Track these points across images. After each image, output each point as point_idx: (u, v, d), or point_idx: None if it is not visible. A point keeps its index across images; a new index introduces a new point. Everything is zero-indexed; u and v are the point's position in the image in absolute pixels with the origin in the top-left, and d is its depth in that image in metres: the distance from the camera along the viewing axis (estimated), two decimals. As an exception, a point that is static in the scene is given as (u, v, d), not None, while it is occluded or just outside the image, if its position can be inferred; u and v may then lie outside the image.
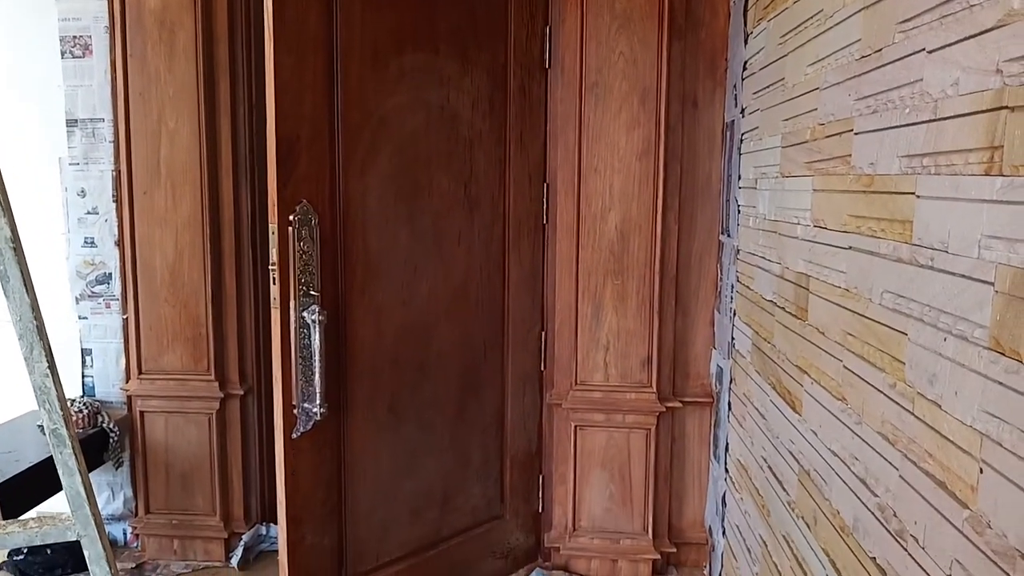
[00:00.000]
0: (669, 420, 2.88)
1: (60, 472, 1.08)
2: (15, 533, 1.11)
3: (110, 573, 1.14)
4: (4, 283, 0.98)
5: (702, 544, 2.97)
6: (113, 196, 2.95)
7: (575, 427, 2.86)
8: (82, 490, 1.08)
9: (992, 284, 1.00)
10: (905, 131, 1.26)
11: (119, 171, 2.87)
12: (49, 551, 2.98)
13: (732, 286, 2.58)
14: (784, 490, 1.93)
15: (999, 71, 0.98)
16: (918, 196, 1.21)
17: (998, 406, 0.98)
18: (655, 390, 2.81)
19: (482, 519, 2.79)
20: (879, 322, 1.35)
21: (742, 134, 2.48)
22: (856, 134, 1.47)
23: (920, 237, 1.20)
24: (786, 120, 1.96)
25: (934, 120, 1.16)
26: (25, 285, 0.99)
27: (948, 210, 1.12)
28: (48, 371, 1.02)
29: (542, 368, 2.91)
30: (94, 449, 2.88)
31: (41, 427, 2.87)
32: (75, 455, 1.07)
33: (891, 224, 1.31)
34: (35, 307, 1.01)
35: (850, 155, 1.50)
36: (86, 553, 1.15)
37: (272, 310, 2.08)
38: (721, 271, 2.78)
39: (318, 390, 2.11)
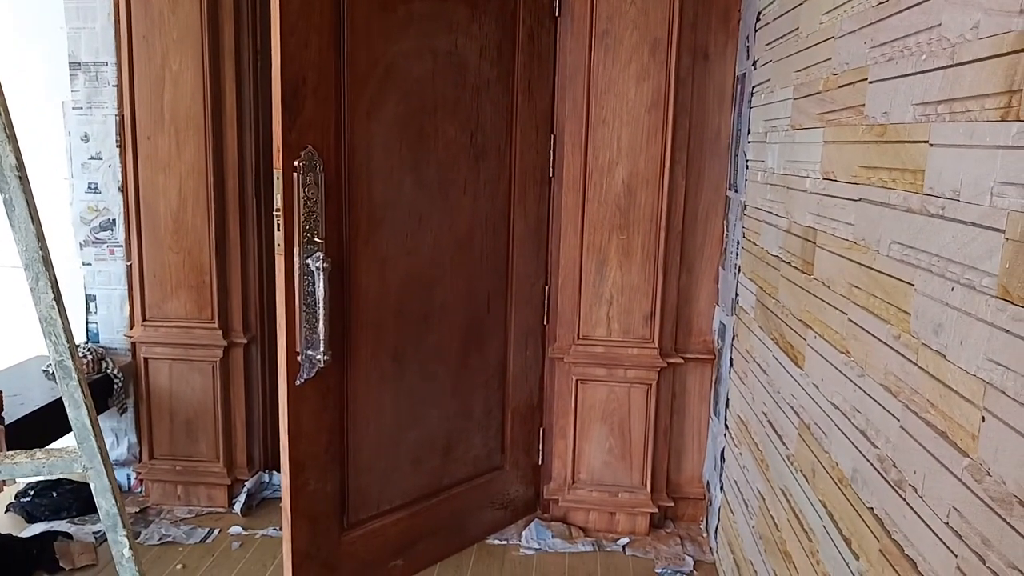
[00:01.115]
0: (670, 376, 2.89)
1: (66, 404, 1.09)
2: (23, 464, 1.12)
3: (116, 505, 1.16)
4: (10, 212, 0.97)
5: (699, 499, 3.00)
6: (117, 141, 2.93)
7: (576, 381, 2.88)
8: (88, 422, 1.09)
9: (1003, 232, 0.99)
10: (921, 78, 1.24)
11: (122, 116, 2.85)
12: (55, 493, 3.02)
13: (738, 242, 2.57)
14: (783, 444, 1.94)
15: (1023, 11, 0.96)
16: (931, 144, 1.19)
17: (1003, 354, 0.98)
18: (657, 346, 2.82)
19: (483, 469, 2.82)
20: (886, 274, 1.35)
21: (753, 87, 2.45)
22: (870, 83, 1.45)
23: (931, 186, 1.19)
24: (799, 71, 1.93)
25: (951, 66, 1.14)
26: (31, 214, 0.98)
27: (961, 157, 1.10)
28: (54, 302, 1.02)
29: (545, 322, 2.92)
30: (99, 395, 2.90)
31: (46, 371, 2.89)
32: (81, 387, 1.07)
33: (902, 174, 1.30)
34: (40, 236, 1.00)
35: (863, 105, 1.48)
36: (92, 486, 1.16)
37: (276, 256, 2.07)
38: (727, 227, 2.77)
39: (322, 337, 2.11)
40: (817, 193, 1.74)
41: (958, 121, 1.11)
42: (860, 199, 1.48)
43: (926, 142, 1.21)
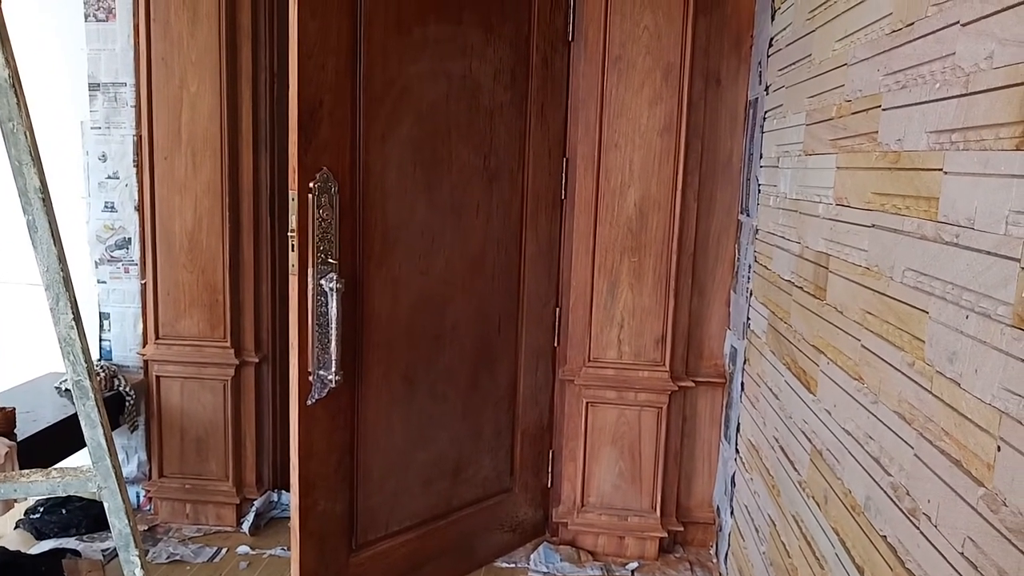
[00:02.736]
0: (681, 399, 2.88)
1: (83, 423, 1.09)
2: (38, 482, 1.12)
3: (129, 525, 1.16)
4: (32, 233, 0.99)
5: (709, 524, 2.98)
6: (134, 161, 2.96)
7: (587, 403, 2.87)
8: (103, 442, 1.10)
9: (1018, 260, 0.99)
10: (934, 106, 1.24)
11: (140, 136, 2.88)
12: (64, 511, 3.03)
13: (749, 266, 2.57)
14: (795, 470, 1.93)
15: (1035, 43, 0.97)
16: (945, 172, 1.20)
17: (1019, 383, 0.98)
18: (668, 369, 2.81)
19: (492, 492, 2.81)
20: (900, 300, 1.34)
21: (765, 112, 2.46)
22: (884, 110, 1.45)
23: (946, 214, 1.19)
24: (811, 97, 1.94)
25: (965, 95, 1.14)
26: (53, 236, 0.99)
27: (976, 186, 1.10)
28: (73, 323, 1.04)
29: (555, 344, 2.92)
30: (110, 413, 2.91)
31: (58, 388, 2.91)
32: (98, 407, 1.08)
33: (916, 201, 1.30)
34: (62, 258, 1.01)
35: (876, 132, 1.49)
36: (106, 505, 1.16)
37: (290, 276, 2.09)
38: (739, 251, 2.77)
39: (334, 357, 2.12)
40: (830, 219, 1.74)
41: (972, 150, 1.12)
42: (873, 225, 1.48)
43: (940, 170, 1.21)
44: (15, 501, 2.43)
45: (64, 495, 3.01)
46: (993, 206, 1.05)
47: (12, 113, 0.96)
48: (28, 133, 0.98)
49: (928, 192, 1.25)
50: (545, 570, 2.80)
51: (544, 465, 2.98)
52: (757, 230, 2.48)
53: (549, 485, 3.01)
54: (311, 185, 2.04)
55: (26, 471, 1.14)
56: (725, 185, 2.80)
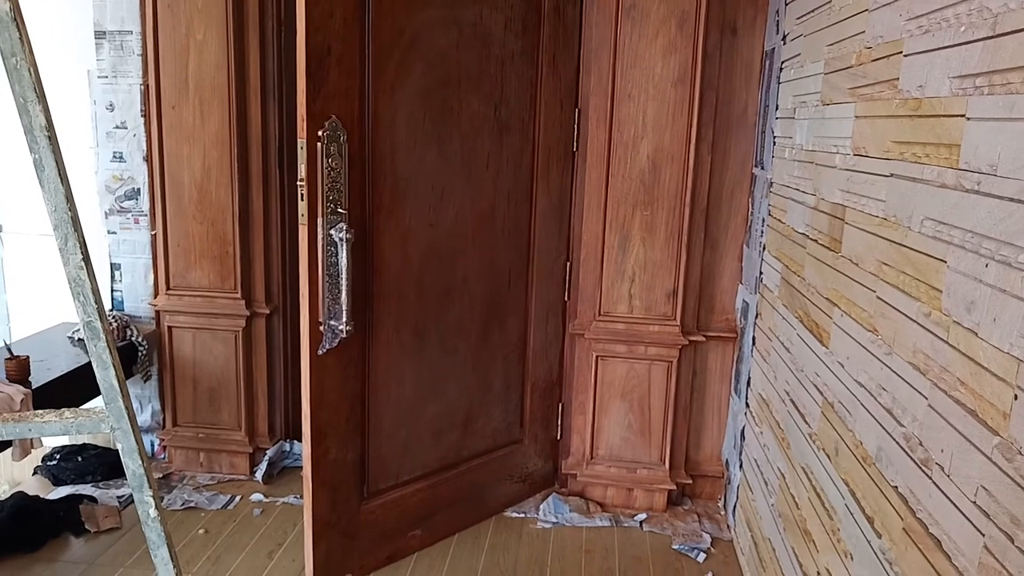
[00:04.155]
0: (691, 354, 2.88)
1: (94, 364, 1.10)
2: (51, 423, 1.13)
3: (142, 466, 1.17)
4: (39, 172, 0.98)
5: (718, 477, 3.00)
6: (141, 110, 2.94)
7: (596, 357, 2.87)
8: (115, 383, 1.10)
9: (1042, 206, 0.97)
10: (959, 51, 1.21)
11: (147, 85, 2.86)
12: (80, 458, 3.07)
13: (763, 220, 2.54)
14: (806, 423, 1.93)
15: (1069, -21, 0.93)
16: (968, 118, 1.17)
17: (1039, 331, 0.96)
18: (679, 323, 2.80)
19: (502, 443, 2.83)
20: (917, 250, 1.32)
21: (782, 62, 2.41)
22: (905, 56, 1.42)
23: (967, 161, 1.16)
24: (830, 45, 1.89)
25: (992, 37, 1.11)
26: (60, 175, 0.98)
27: (999, 132, 1.08)
28: (83, 263, 1.03)
29: (566, 298, 2.91)
30: (123, 362, 2.93)
31: (71, 338, 2.93)
32: (109, 348, 1.08)
33: (937, 149, 1.27)
34: (70, 197, 1.00)
35: (897, 79, 1.45)
36: (119, 446, 1.17)
37: (300, 226, 2.08)
38: (752, 205, 2.74)
39: (344, 308, 2.12)
40: (847, 169, 1.72)
41: (997, 94, 1.09)
42: (892, 175, 1.45)
43: (963, 116, 1.18)
44: (32, 447, 2.46)
45: (77, 435, 3.08)
46: (1017, 152, 1.03)
47: (15, 48, 0.94)
48: (32, 69, 0.97)
49: (949, 139, 1.23)
50: (554, 520, 2.83)
51: (554, 418, 3.00)
52: (771, 183, 2.45)
53: (559, 437, 3.03)
54: (320, 134, 2.02)
55: (39, 411, 1.15)
56: (739, 138, 2.76)
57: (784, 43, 2.40)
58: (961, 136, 1.19)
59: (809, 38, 2.11)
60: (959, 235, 1.18)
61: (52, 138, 0.98)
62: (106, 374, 1.09)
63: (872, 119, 1.58)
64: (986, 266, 1.09)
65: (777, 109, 2.45)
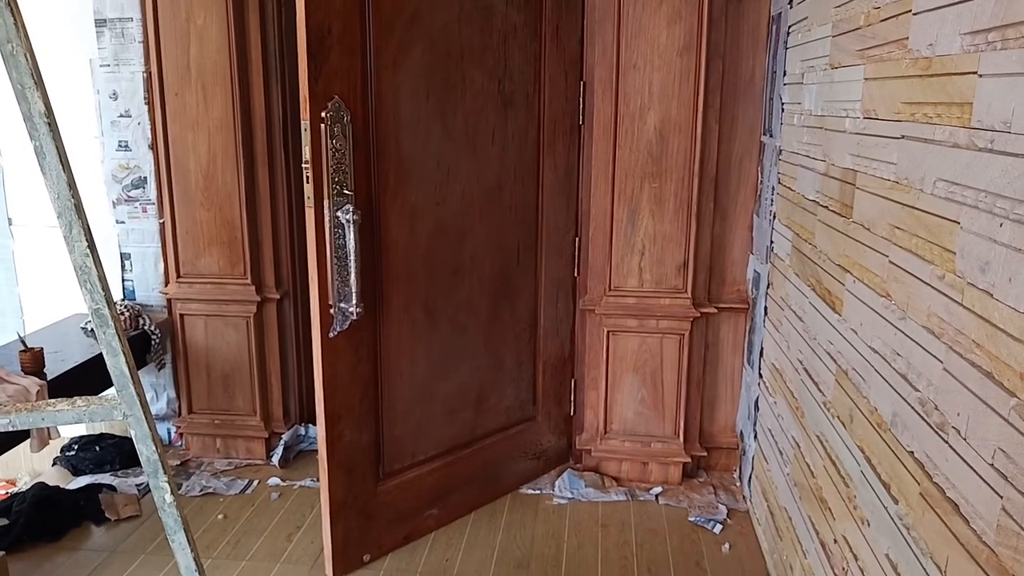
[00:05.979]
0: (703, 326, 2.87)
1: (104, 352, 1.10)
2: (64, 411, 1.14)
3: (156, 452, 1.17)
4: (40, 160, 0.97)
5: (733, 448, 2.99)
6: (145, 98, 2.93)
7: (608, 332, 2.86)
8: (126, 369, 1.10)
9: (1058, 162, 0.95)
10: (970, 6, 1.18)
11: (150, 72, 2.84)
12: (98, 448, 3.10)
13: (773, 188, 2.51)
14: (820, 391, 1.92)
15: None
16: (980, 75, 1.14)
17: (1056, 290, 0.95)
18: (690, 296, 2.79)
19: (515, 420, 2.83)
20: (930, 212, 1.30)
21: (789, 26, 2.37)
22: (914, 14, 1.39)
23: (980, 119, 1.14)
24: (838, 7, 1.86)
25: (1004, -10, 1.08)
26: (61, 161, 0.97)
27: (1013, 87, 1.05)
28: (88, 250, 1.03)
29: (576, 273, 2.90)
30: (136, 351, 2.95)
31: (84, 328, 2.94)
32: (118, 335, 1.08)
33: (948, 108, 1.25)
34: (72, 184, 1.00)
35: (907, 38, 1.42)
36: (132, 433, 1.18)
37: (306, 209, 2.07)
38: (762, 173, 2.71)
39: (354, 290, 2.12)
40: (857, 133, 1.69)
41: (1011, 48, 1.06)
42: (903, 136, 1.43)
43: (975, 73, 1.16)
44: (49, 437, 2.48)
45: (92, 423, 3.10)
46: (1032, 107, 1.00)
47: (10, 34, 0.93)
48: (29, 55, 0.96)
49: (961, 97, 1.20)
50: (570, 496, 2.84)
51: (566, 394, 3.00)
52: (780, 151, 2.42)
53: (572, 413, 3.03)
54: (323, 114, 2.01)
55: (52, 400, 1.16)
56: (747, 105, 2.72)
57: (791, 7, 2.36)
58: (973, 94, 1.16)
59: (816, 0, 2.07)
60: (972, 195, 1.16)
61: (52, 124, 0.97)
62: (116, 361, 1.09)
63: (882, 80, 1.55)
64: (1000, 225, 1.07)
65: (785, 75, 2.41)
